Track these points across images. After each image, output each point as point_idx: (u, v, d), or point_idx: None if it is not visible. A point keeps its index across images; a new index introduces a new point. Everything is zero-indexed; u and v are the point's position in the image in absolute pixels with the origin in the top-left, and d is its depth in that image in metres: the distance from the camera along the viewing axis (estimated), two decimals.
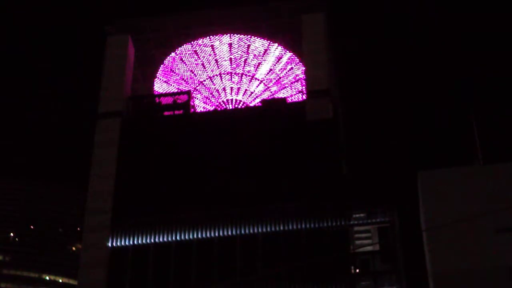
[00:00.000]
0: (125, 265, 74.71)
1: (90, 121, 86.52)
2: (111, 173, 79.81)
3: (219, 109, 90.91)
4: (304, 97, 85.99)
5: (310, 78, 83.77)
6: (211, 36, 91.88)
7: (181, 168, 79.36)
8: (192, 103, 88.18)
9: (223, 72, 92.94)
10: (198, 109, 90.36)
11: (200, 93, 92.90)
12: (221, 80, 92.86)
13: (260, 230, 74.09)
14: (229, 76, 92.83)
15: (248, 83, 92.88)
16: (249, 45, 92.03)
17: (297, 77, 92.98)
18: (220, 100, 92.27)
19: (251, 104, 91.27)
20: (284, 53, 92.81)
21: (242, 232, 74.30)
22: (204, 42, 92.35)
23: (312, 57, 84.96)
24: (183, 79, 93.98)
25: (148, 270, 74.03)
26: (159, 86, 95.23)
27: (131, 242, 75.58)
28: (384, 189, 76.56)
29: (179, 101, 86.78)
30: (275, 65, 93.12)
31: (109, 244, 75.57)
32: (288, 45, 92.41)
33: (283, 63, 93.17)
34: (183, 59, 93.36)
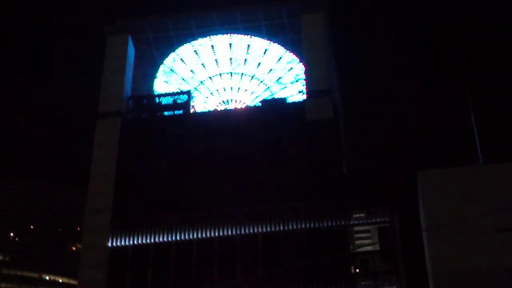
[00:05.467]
0: (125, 265, 74.69)
1: (90, 121, 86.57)
2: (111, 173, 79.81)
3: (219, 109, 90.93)
4: (304, 97, 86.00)
5: (310, 78, 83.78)
6: (211, 36, 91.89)
7: (181, 168, 79.32)
8: (192, 103, 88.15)
9: (223, 72, 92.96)
10: (198, 109, 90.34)
11: (200, 93, 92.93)
12: (221, 80, 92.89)
13: (260, 230, 74.07)
14: (229, 76, 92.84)
15: (248, 83, 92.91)
16: (249, 45, 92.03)
17: (297, 77, 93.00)
18: (220, 100, 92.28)
19: (251, 104, 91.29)
20: (284, 53, 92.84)
21: (242, 232, 74.28)
22: (204, 42, 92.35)
23: (312, 57, 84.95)
24: (183, 79, 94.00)
25: (148, 270, 74.00)
26: (159, 86, 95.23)
27: (131, 242, 75.56)
28: (384, 189, 76.36)
29: (179, 101, 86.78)
30: (275, 65, 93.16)
31: (109, 244, 75.55)
32: (288, 45, 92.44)
33: (283, 63, 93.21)
34: (183, 59, 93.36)
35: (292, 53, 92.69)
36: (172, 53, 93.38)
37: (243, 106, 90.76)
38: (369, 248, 72.68)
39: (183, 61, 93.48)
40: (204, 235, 74.70)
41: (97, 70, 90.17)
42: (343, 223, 73.13)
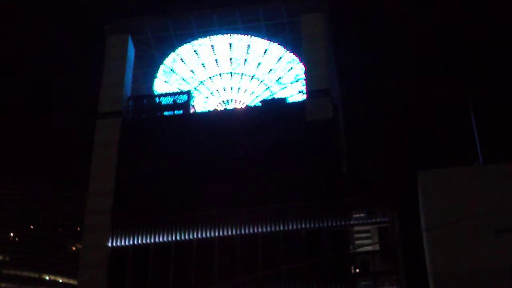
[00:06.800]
0: (125, 265, 74.73)
1: (90, 121, 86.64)
2: (111, 173, 79.86)
3: (219, 109, 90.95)
4: (304, 97, 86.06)
5: (310, 78, 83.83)
6: (211, 36, 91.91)
7: (181, 168, 79.37)
8: (192, 103, 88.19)
9: (223, 72, 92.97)
10: (198, 109, 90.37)
11: (200, 93, 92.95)
12: (221, 80, 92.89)
13: (260, 230, 74.10)
14: (229, 76, 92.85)
15: (248, 83, 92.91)
16: (249, 45, 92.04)
17: (297, 77, 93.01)
18: (220, 100, 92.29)
19: (251, 104, 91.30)
20: (284, 53, 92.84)
21: (242, 232, 74.32)
22: (204, 42, 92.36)
23: (312, 57, 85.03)
24: (183, 79, 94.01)
25: (148, 270, 74.04)
26: (159, 86, 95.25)
27: (131, 242, 75.61)
28: (384, 189, 76.34)
29: (179, 101, 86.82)
30: (275, 65, 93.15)
31: (109, 244, 75.59)
32: (288, 45, 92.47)
33: (283, 63, 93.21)
34: (183, 59, 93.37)
35: (292, 53, 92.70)
36: (172, 53, 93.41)
37: (243, 106, 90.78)
38: (369, 248, 72.74)
39: (183, 61, 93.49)
40: (204, 235, 74.76)
41: (97, 70, 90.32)
42: (343, 223, 73.17)
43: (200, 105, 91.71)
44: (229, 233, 74.50)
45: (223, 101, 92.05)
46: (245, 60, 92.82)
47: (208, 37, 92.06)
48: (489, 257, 56.36)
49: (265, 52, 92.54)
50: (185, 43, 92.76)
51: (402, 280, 71.44)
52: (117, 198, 78.16)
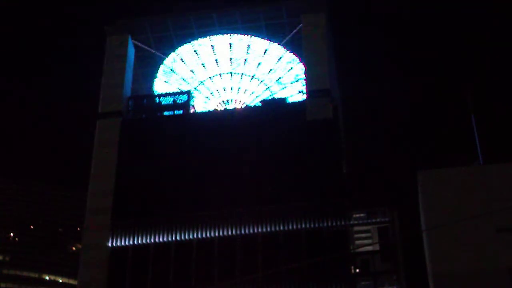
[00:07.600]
0: (125, 265, 74.70)
1: (90, 121, 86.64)
2: (111, 173, 79.84)
3: (219, 109, 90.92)
4: (304, 97, 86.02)
5: (310, 78, 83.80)
6: (211, 36, 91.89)
7: (181, 168, 79.34)
8: (192, 103, 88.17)
9: (223, 72, 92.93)
10: (198, 109, 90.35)
11: (200, 93, 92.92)
12: (221, 80, 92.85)
13: (260, 230, 74.07)
14: (229, 76, 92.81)
15: (248, 83, 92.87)
16: (249, 45, 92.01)
17: (297, 77, 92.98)
18: (220, 100, 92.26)
19: (251, 104, 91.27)
20: (284, 53, 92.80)
21: (242, 232, 74.30)
22: (204, 42, 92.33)
23: (312, 57, 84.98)
24: (183, 79, 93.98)
25: (148, 270, 74.02)
26: (159, 86, 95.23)
27: (131, 242, 75.59)
28: (384, 189, 76.46)
29: (179, 101, 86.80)
30: (275, 65, 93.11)
31: (109, 244, 75.58)
32: (288, 45, 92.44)
33: (283, 63, 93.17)
34: (183, 59, 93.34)
35: (292, 53, 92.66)
36: (172, 53, 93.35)
37: (243, 106, 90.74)
38: (369, 248, 72.74)
39: (183, 61, 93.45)
40: (204, 235, 74.74)
41: (97, 70, 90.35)
42: (343, 223, 73.14)
43: (200, 105, 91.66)
44: (229, 233, 74.47)
45: (223, 101, 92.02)
46: (245, 60, 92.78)
47: (208, 37, 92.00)
48: (489, 257, 56.47)
49: (265, 52, 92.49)
50: (185, 43, 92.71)
51: (402, 280, 71.42)
52: (117, 198, 78.14)
